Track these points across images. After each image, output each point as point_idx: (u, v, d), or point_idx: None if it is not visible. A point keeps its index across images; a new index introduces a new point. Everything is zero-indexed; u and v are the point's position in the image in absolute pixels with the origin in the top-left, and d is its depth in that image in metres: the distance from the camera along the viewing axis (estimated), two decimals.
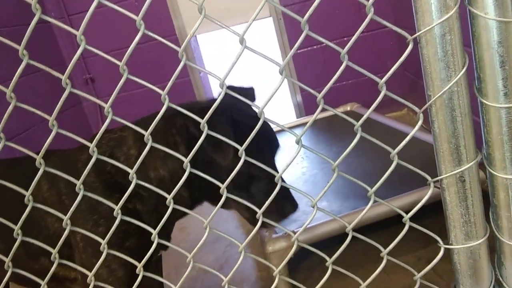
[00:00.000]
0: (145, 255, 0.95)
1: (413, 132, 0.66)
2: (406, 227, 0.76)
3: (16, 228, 0.85)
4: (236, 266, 0.82)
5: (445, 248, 0.79)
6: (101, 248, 0.87)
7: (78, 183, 0.80)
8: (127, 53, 0.63)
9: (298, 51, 3.43)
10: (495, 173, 0.73)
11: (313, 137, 2.99)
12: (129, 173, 0.80)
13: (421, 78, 0.71)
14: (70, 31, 0.67)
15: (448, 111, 0.69)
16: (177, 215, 0.91)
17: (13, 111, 0.68)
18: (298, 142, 0.69)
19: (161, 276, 1.55)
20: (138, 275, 0.90)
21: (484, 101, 0.69)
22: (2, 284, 0.94)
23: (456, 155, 0.71)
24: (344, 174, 0.73)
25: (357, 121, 0.69)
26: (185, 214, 0.87)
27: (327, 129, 2.97)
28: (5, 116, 0.68)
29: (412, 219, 0.76)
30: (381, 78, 0.64)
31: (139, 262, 0.91)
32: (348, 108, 3.36)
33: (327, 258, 0.82)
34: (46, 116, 0.71)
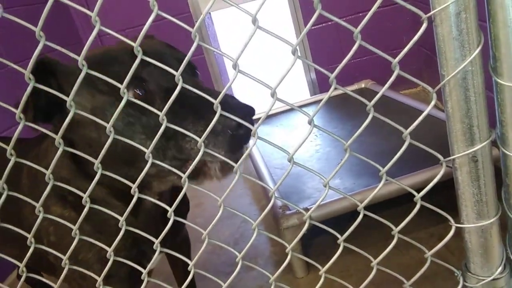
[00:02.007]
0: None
1: (425, 112, 0.66)
2: (418, 207, 0.77)
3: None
4: (250, 242, 0.84)
5: (456, 226, 0.80)
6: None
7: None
8: (140, 34, 0.63)
9: (312, 28, 3.38)
10: (508, 153, 0.72)
11: (327, 115, 2.98)
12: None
13: (436, 54, 0.70)
14: (85, 12, 0.67)
15: (462, 91, 0.68)
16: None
17: None
18: (310, 122, 0.70)
19: (189, 253, 1.51)
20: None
21: (499, 81, 0.68)
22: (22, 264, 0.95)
23: (469, 135, 0.71)
24: (356, 154, 0.73)
25: (371, 99, 0.69)
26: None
27: (340, 107, 2.95)
28: (24, 97, 0.70)
29: (424, 196, 0.76)
30: (396, 54, 0.63)
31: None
32: (363, 86, 3.32)
33: (338, 236, 0.84)
34: (65, 98, 0.73)
